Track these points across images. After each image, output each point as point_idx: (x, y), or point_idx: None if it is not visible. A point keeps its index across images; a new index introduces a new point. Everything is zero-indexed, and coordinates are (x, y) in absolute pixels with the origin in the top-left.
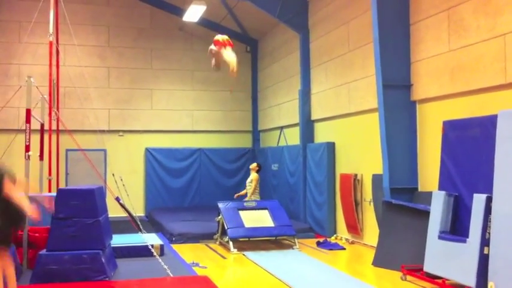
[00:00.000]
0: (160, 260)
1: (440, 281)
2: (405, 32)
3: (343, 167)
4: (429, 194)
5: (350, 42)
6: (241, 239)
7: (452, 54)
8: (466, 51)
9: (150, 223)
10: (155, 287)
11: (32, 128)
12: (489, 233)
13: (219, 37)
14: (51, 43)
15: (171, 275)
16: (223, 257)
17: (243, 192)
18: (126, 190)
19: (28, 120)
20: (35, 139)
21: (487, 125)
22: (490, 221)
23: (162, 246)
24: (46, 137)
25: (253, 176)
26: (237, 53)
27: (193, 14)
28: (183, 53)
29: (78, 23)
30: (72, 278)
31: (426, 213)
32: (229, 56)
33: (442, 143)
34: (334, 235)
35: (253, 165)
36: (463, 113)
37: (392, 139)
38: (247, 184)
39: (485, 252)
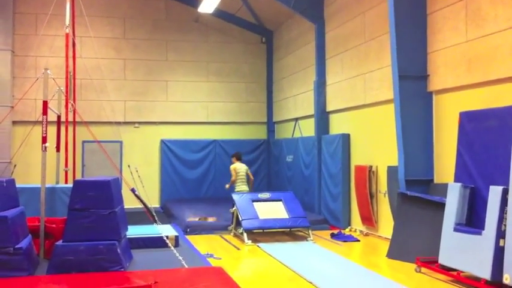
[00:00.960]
0: (175, 251)
1: (455, 273)
2: (422, 22)
3: (358, 158)
4: (445, 186)
5: (366, 32)
6: (255, 231)
7: (470, 45)
8: (483, 41)
9: (165, 214)
10: (170, 278)
11: (48, 119)
12: (505, 225)
13: None
14: (67, 35)
15: (186, 266)
16: (238, 248)
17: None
18: (142, 181)
19: (45, 112)
20: (52, 131)
21: (504, 116)
22: (506, 213)
23: (176, 238)
24: (63, 128)
25: (232, 166)
26: (252, 44)
27: (209, 5)
28: (198, 44)
29: (94, 15)
30: (88, 268)
31: (442, 205)
32: None
33: (459, 135)
34: (349, 227)
35: (232, 155)
36: (480, 104)
37: (408, 130)
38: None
39: (501, 244)
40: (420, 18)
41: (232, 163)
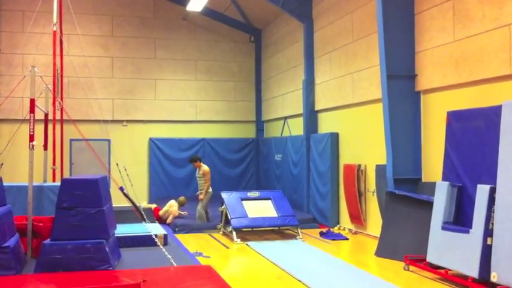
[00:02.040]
0: (164, 250)
1: (443, 271)
2: (410, 21)
3: (346, 157)
4: (433, 185)
5: (354, 32)
6: (244, 229)
7: (457, 45)
8: (470, 41)
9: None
10: (159, 277)
11: (36, 117)
12: (492, 224)
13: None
14: (54, 33)
15: (175, 265)
16: (227, 247)
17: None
18: (130, 180)
19: (32, 110)
20: (39, 129)
21: (491, 116)
22: (493, 212)
23: (165, 236)
24: (50, 126)
25: (205, 168)
26: (241, 43)
27: (197, 3)
28: (187, 42)
29: (82, 12)
30: (76, 267)
31: (429, 204)
32: None
33: (446, 134)
34: (338, 225)
35: (196, 159)
36: (467, 103)
37: (396, 129)
38: (198, 179)
39: (488, 243)
40: (408, 18)
41: (198, 167)
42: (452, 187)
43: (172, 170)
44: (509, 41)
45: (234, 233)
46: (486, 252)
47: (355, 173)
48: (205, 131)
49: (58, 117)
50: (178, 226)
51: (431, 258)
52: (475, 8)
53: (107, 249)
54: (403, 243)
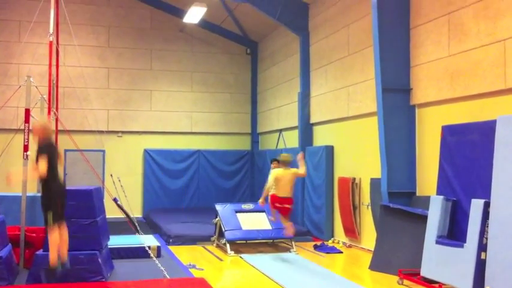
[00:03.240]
0: (157, 262)
1: (437, 285)
2: (405, 36)
3: (341, 170)
4: (427, 199)
5: (350, 45)
6: (238, 242)
7: (452, 59)
8: (465, 56)
9: (148, 224)
10: None
11: (30, 127)
12: (486, 238)
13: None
14: (51, 43)
15: (168, 277)
16: (220, 259)
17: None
18: (124, 191)
19: (27, 120)
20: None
21: (485, 130)
22: (487, 226)
23: (159, 248)
24: None
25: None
26: (237, 55)
27: (194, 15)
28: (183, 54)
29: (78, 23)
30: (69, 278)
31: (424, 218)
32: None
33: (441, 148)
34: (332, 238)
35: (275, 164)
36: (462, 117)
37: (391, 143)
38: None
39: (483, 257)
40: (403, 32)
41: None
42: (447, 201)
43: (167, 182)
44: (504, 56)
45: (228, 245)
46: (480, 267)
47: (350, 186)
48: (201, 142)
49: (53, 127)
50: (172, 237)
51: (425, 272)
52: (470, 23)
53: (99, 260)
54: (397, 257)
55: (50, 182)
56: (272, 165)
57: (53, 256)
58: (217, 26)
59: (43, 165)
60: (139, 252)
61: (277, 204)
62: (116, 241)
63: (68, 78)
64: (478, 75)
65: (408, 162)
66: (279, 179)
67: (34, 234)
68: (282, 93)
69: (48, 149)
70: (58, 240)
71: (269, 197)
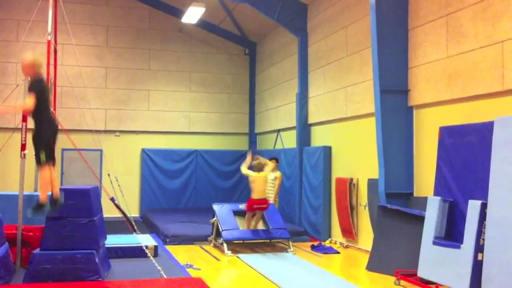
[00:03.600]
0: (154, 261)
1: (433, 286)
2: (403, 37)
3: (339, 171)
4: (424, 200)
5: (348, 46)
6: (235, 242)
7: (450, 61)
8: (463, 57)
9: (145, 224)
10: None
11: (28, 126)
12: (483, 239)
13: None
14: (49, 42)
15: (165, 276)
16: (217, 259)
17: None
18: (122, 190)
19: (25, 119)
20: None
21: (483, 132)
22: (484, 227)
23: (156, 248)
24: None
25: (277, 174)
26: (235, 55)
27: (192, 15)
28: (181, 54)
29: (77, 22)
30: (66, 277)
31: (421, 219)
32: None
33: (438, 149)
34: (329, 239)
35: (272, 162)
36: (459, 119)
37: (389, 144)
38: (269, 181)
39: (479, 258)
40: (402, 34)
41: (276, 168)
42: (444, 202)
43: (164, 181)
44: (501, 58)
45: (225, 245)
46: (477, 268)
47: (347, 187)
48: (199, 142)
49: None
50: (169, 237)
51: (422, 273)
52: (468, 24)
53: (96, 260)
54: (395, 258)
55: (42, 119)
56: (270, 163)
57: (43, 194)
58: (215, 26)
59: (30, 100)
60: (137, 252)
61: (255, 206)
62: (113, 240)
63: (66, 78)
64: (475, 77)
65: (406, 163)
66: (253, 181)
67: (31, 233)
68: (280, 93)
69: (38, 85)
70: (49, 178)
71: (247, 203)
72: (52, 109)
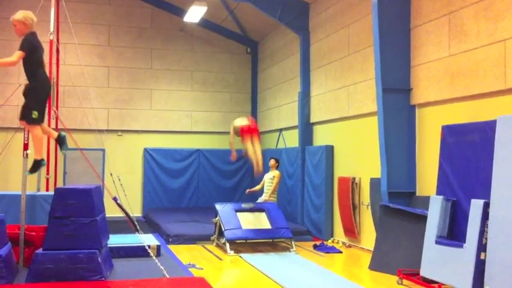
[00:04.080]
0: (156, 261)
1: (436, 285)
2: (405, 36)
3: (341, 170)
4: (427, 199)
5: (350, 45)
6: (238, 241)
7: (452, 59)
8: (466, 56)
9: (147, 223)
10: None
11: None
12: (486, 239)
13: (242, 123)
14: (51, 42)
15: (167, 276)
16: (220, 259)
17: (256, 188)
18: (124, 190)
19: None
20: None
21: (486, 130)
22: (487, 227)
23: (158, 247)
24: (44, 135)
25: (276, 173)
26: (237, 54)
27: (194, 14)
28: (183, 53)
29: (79, 21)
30: (68, 277)
31: (423, 218)
32: (255, 152)
33: (441, 148)
34: (331, 238)
35: (272, 162)
36: (462, 118)
37: (391, 143)
38: (266, 180)
39: (482, 257)
40: (404, 33)
41: (275, 168)
42: (447, 201)
43: (166, 181)
44: (504, 57)
45: (228, 244)
46: (479, 267)
47: (350, 186)
48: (201, 141)
49: (53, 126)
50: (171, 237)
51: (424, 272)
52: (470, 23)
53: (99, 259)
54: (397, 257)
55: (37, 76)
56: (270, 163)
57: (37, 152)
58: (217, 25)
59: (17, 55)
60: (139, 252)
61: (246, 130)
62: (115, 240)
63: (68, 77)
64: (478, 76)
65: (408, 162)
66: (236, 126)
67: (34, 233)
68: (282, 92)
69: (31, 42)
70: (41, 136)
71: (239, 132)
72: (46, 70)
